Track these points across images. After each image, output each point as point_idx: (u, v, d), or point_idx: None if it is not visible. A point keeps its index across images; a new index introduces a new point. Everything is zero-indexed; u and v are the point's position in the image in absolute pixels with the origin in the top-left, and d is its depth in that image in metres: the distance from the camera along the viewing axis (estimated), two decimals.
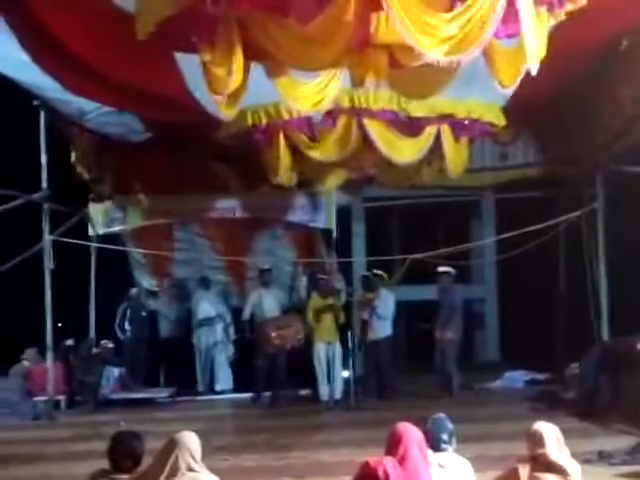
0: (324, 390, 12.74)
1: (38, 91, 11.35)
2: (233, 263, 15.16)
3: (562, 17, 7.54)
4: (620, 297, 12.41)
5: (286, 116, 11.03)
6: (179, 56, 9.23)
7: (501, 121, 11.67)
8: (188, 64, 9.11)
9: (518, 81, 7.91)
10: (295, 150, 11.57)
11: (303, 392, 13.53)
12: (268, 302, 13.42)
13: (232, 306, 14.88)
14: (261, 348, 13.05)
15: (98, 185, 14.48)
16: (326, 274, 13.73)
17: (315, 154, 11.54)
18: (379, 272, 13.41)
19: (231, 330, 14.57)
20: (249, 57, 8.04)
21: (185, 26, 8.05)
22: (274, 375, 13.05)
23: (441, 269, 13.08)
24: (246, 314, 13.53)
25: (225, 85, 7.95)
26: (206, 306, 14.48)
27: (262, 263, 14.49)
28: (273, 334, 12.85)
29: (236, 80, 7.97)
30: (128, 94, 10.58)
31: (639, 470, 7.61)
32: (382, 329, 13.13)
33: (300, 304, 14.05)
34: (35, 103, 12.12)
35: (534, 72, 7.22)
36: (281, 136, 11.39)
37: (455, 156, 11.77)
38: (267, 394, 13.14)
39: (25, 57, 9.40)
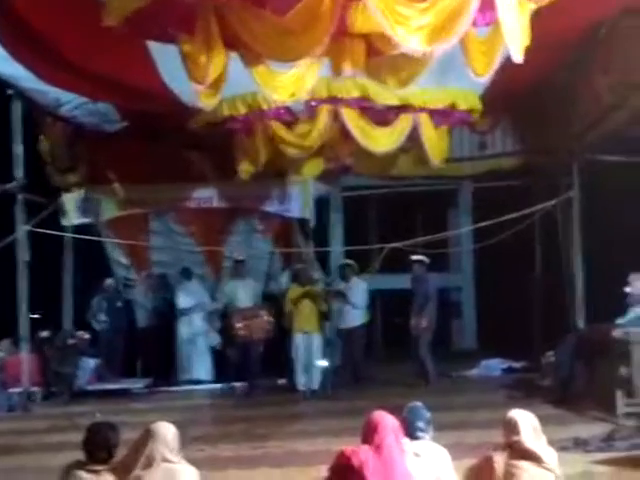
0: (301, 380, 12.72)
1: (13, 81, 11.25)
2: (210, 253, 15.12)
3: (543, 2, 7.53)
4: (595, 285, 12.49)
5: (264, 106, 10.97)
6: (152, 46, 9.17)
7: (478, 108, 11.65)
8: (162, 54, 9.08)
9: (492, 70, 7.93)
10: (272, 140, 11.52)
11: (280, 382, 13.51)
12: (242, 293, 13.37)
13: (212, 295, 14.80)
14: (230, 339, 13.04)
15: (70, 175, 14.36)
16: (303, 264, 13.71)
17: (292, 144, 11.50)
18: (350, 262, 13.43)
19: (214, 318, 14.51)
20: (227, 46, 8.01)
21: (161, 16, 8.05)
22: (248, 366, 13.04)
23: (414, 258, 13.09)
24: (219, 304, 13.50)
25: (206, 74, 7.92)
26: (187, 296, 14.42)
27: (239, 253, 14.45)
28: (238, 325, 12.85)
29: (217, 69, 7.94)
30: (102, 84, 10.54)
31: (614, 456, 7.66)
32: (354, 318, 13.14)
33: (279, 294, 14.02)
34: (9, 92, 12.01)
35: (519, 60, 7.22)
36: (259, 126, 11.35)
37: (435, 144, 11.76)
38: (240, 384, 13.12)
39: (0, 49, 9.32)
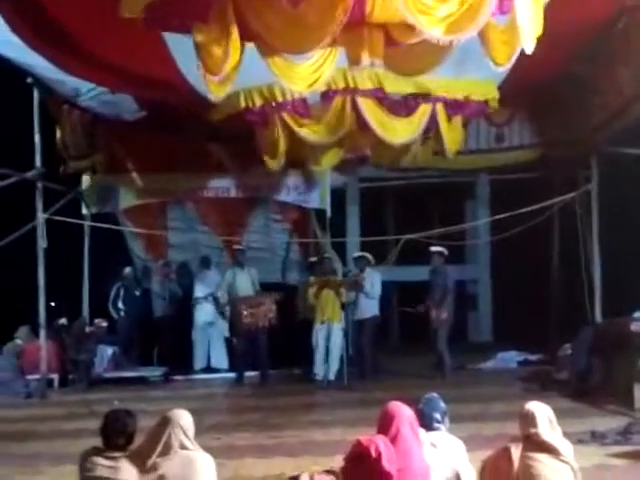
0: (319, 369, 12.72)
1: (32, 70, 11.28)
2: (229, 242, 15.15)
3: None
4: (613, 278, 12.45)
5: (280, 98, 10.97)
6: (169, 37, 9.16)
7: (495, 98, 11.58)
8: (179, 45, 9.06)
9: (513, 60, 7.89)
10: (290, 131, 11.51)
11: (296, 371, 13.54)
12: (242, 281, 13.39)
13: None
14: (236, 327, 13.06)
15: (84, 161, 14.40)
16: (320, 254, 13.72)
17: (310, 135, 11.51)
18: (365, 254, 13.43)
19: (226, 308, 14.59)
20: (242, 37, 7.99)
21: (177, 6, 8.01)
22: (256, 355, 13.08)
23: (433, 249, 13.06)
24: (220, 292, 13.57)
25: (222, 65, 7.90)
26: (204, 284, 14.48)
27: (257, 242, 14.47)
28: (244, 312, 12.90)
29: (233, 60, 7.92)
30: (120, 75, 10.51)
31: (631, 450, 7.65)
32: (367, 309, 13.14)
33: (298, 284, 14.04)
34: (29, 81, 12.06)
35: (529, 51, 7.19)
36: (276, 118, 11.35)
37: (450, 135, 11.74)
38: (251, 374, 13.18)
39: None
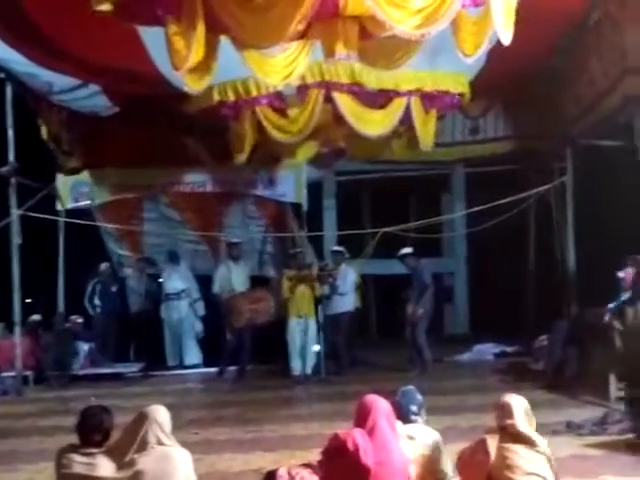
0: (296, 364, 12.74)
1: (4, 64, 11.18)
2: (205, 237, 15.11)
3: None
4: (588, 270, 12.53)
5: (254, 92, 10.94)
6: (143, 30, 9.11)
7: (467, 91, 11.61)
8: (152, 38, 9.01)
9: (481, 51, 7.91)
10: (261, 126, 11.47)
11: (273, 366, 13.53)
12: (237, 276, 13.36)
13: (206, 276, 14.73)
14: (231, 323, 13.03)
15: (67, 159, 14.30)
16: (297, 248, 13.71)
17: (284, 129, 11.47)
18: (340, 248, 13.44)
19: (198, 306, 14.55)
20: (216, 31, 7.96)
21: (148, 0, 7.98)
22: (242, 350, 13.06)
23: (400, 253, 13.00)
24: (216, 287, 13.49)
25: (185, 59, 7.87)
26: (174, 281, 14.44)
27: (234, 237, 14.43)
28: (245, 308, 12.86)
29: (197, 54, 7.88)
30: (94, 68, 10.46)
31: (607, 440, 7.70)
32: (340, 304, 13.14)
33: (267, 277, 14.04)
34: (1, 75, 11.94)
35: (506, 42, 7.21)
36: (248, 113, 11.32)
37: (424, 128, 11.75)
38: (232, 368, 13.16)
39: None
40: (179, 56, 7.87)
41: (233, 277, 13.31)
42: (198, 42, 7.71)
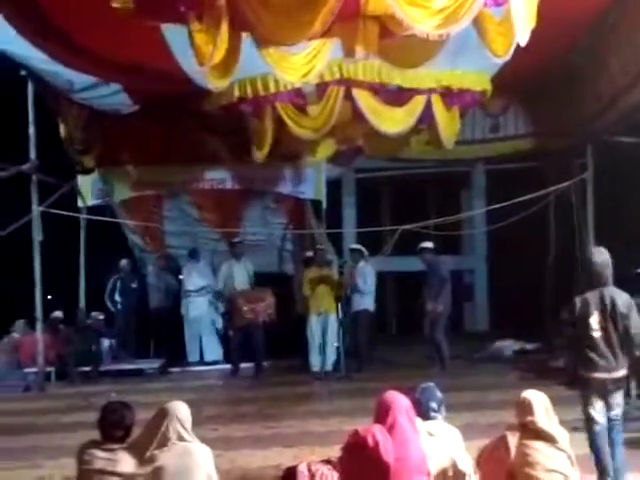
0: (316, 360, 12.77)
1: (26, 62, 11.24)
2: (225, 233, 15.15)
3: None
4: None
5: (273, 89, 10.93)
6: (165, 27, 9.14)
7: (489, 89, 11.58)
8: (175, 35, 9.03)
9: (511, 51, 7.88)
10: (283, 122, 11.50)
11: (293, 362, 13.55)
12: (238, 274, 13.39)
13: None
14: (234, 321, 13.09)
15: (86, 157, 14.37)
16: (317, 245, 13.73)
17: (303, 126, 11.48)
18: (358, 246, 13.44)
19: (219, 302, 14.60)
20: (237, 28, 7.97)
21: None
22: (253, 348, 13.08)
23: (420, 246, 13.00)
24: (220, 285, 13.56)
25: (210, 56, 7.88)
26: (195, 277, 14.45)
27: (253, 234, 14.46)
28: (245, 308, 12.89)
29: (221, 51, 7.90)
30: (116, 66, 10.47)
31: (626, 437, 7.65)
32: (360, 302, 13.15)
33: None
34: (23, 73, 12.02)
35: (523, 43, 7.19)
36: (269, 108, 11.34)
37: (447, 125, 11.74)
38: (247, 366, 13.18)
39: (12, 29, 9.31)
40: (203, 53, 7.88)
41: (235, 275, 13.35)
42: (222, 39, 7.72)
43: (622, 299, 6.36)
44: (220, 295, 13.76)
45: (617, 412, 6.40)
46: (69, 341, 13.19)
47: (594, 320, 6.32)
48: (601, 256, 6.59)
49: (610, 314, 6.30)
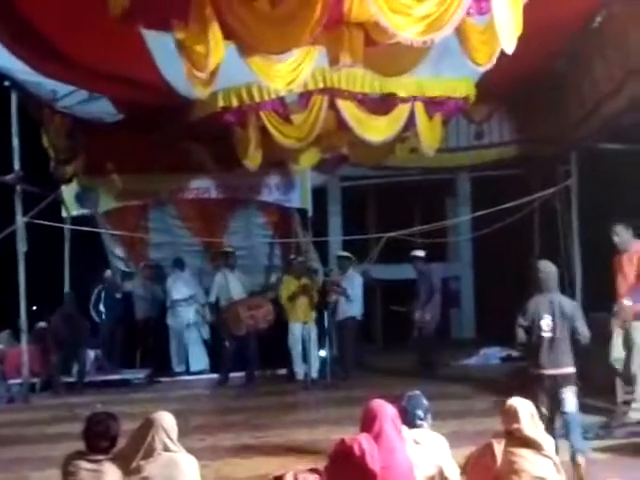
0: (299, 369, 12.79)
1: (9, 72, 11.21)
2: (209, 243, 15.13)
3: None
4: (593, 274, 12.49)
5: (258, 98, 10.94)
6: (149, 37, 9.12)
7: (473, 95, 11.61)
8: (158, 45, 9.03)
9: (493, 60, 7.91)
10: (265, 132, 11.49)
11: (280, 372, 13.52)
12: (234, 284, 13.35)
13: (206, 288, 14.78)
14: (231, 329, 13.03)
15: (70, 166, 14.33)
16: (302, 254, 13.72)
17: (288, 135, 11.47)
18: (346, 254, 13.45)
19: (206, 311, 14.55)
20: (224, 36, 7.98)
21: (158, 3, 7.99)
22: (246, 356, 13.04)
23: (412, 254, 13.04)
24: (212, 296, 13.51)
25: (205, 63, 7.88)
26: (180, 287, 14.43)
27: (238, 243, 14.44)
28: (245, 314, 12.86)
29: (217, 56, 7.90)
30: (99, 76, 10.45)
31: (613, 444, 7.70)
32: (348, 310, 13.15)
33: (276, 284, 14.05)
34: (6, 84, 11.98)
35: (509, 51, 7.21)
36: (252, 118, 11.34)
37: (429, 133, 11.74)
38: (235, 375, 13.14)
39: None
40: (199, 60, 7.88)
41: (230, 285, 13.29)
42: (216, 45, 7.73)
43: (568, 303, 7.14)
44: (211, 307, 13.69)
45: (569, 407, 6.81)
46: (55, 331, 13.05)
47: (545, 322, 6.96)
48: (548, 267, 7.34)
49: (559, 317, 6.93)
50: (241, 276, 13.68)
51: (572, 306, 7.13)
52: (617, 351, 9.30)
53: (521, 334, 7.21)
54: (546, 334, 6.93)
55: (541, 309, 7.03)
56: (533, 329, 7.03)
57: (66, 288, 14.67)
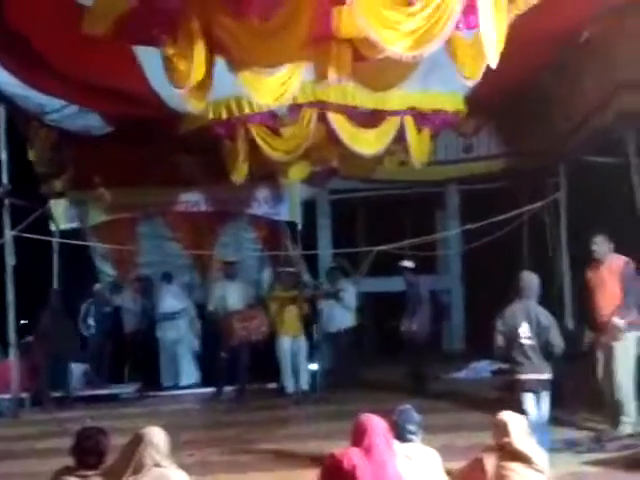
0: (289, 383, 12.74)
1: None
2: (199, 257, 15.11)
3: (522, 8, 7.57)
4: (583, 286, 12.50)
5: (248, 110, 10.95)
6: (139, 50, 9.14)
7: (463, 110, 11.66)
8: (148, 58, 9.04)
9: (482, 73, 7.94)
10: (254, 144, 11.49)
11: (269, 386, 13.47)
12: (232, 295, 13.25)
13: (197, 301, 14.75)
14: (226, 341, 12.99)
15: (56, 180, 14.31)
16: (292, 267, 13.69)
17: (277, 149, 11.48)
18: (335, 264, 13.47)
19: (196, 324, 14.49)
20: (212, 51, 7.99)
21: (146, 19, 8.00)
22: (238, 369, 12.98)
23: (402, 264, 13.05)
24: (210, 306, 13.45)
25: (187, 78, 7.90)
26: (170, 300, 14.37)
27: (228, 256, 14.41)
28: (238, 326, 12.81)
29: (198, 72, 7.92)
30: (88, 90, 10.47)
31: (605, 457, 7.69)
32: (341, 321, 13.14)
33: (264, 297, 14.02)
34: None
35: (494, 65, 7.24)
36: (241, 130, 11.34)
37: (418, 147, 11.78)
38: (229, 388, 13.08)
39: None
40: (181, 75, 7.89)
41: (228, 296, 13.22)
42: (199, 61, 7.75)
43: (544, 314, 7.52)
44: (210, 316, 13.63)
45: (544, 412, 7.35)
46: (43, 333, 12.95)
47: (522, 330, 7.42)
48: (529, 276, 7.82)
49: (535, 325, 7.42)
50: (242, 286, 13.56)
51: (547, 317, 7.47)
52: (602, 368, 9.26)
53: (499, 339, 7.64)
54: (525, 340, 7.36)
55: (518, 315, 7.45)
56: (512, 335, 7.44)
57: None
